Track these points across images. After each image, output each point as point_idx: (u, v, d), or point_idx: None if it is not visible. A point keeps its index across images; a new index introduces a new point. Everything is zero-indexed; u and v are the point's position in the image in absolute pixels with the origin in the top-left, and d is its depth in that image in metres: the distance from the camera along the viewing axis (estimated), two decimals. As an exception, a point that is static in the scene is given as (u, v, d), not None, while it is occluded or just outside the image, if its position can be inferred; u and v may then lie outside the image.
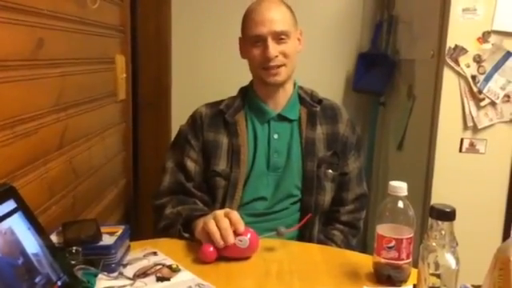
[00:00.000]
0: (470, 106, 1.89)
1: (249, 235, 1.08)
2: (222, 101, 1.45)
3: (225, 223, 1.09)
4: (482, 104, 1.88)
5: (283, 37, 1.34)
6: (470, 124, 1.89)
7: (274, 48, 1.32)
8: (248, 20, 1.37)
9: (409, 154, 2.25)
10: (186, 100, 2.18)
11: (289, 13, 1.38)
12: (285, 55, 1.34)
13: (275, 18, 1.33)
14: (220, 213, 1.12)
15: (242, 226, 1.09)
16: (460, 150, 1.93)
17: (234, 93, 1.48)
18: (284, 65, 1.35)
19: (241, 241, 1.07)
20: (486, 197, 1.93)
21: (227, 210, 1.15)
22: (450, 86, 1.89)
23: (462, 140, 1.92)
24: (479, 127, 1.89)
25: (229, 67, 2.26)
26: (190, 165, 1.39)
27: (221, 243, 1.06)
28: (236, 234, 1.08)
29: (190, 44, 2.54)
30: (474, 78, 1.86)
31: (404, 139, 2.28)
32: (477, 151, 1.92)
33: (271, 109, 1.41)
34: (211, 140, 1.39)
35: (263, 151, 1.38)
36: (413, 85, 2.22)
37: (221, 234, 1.07)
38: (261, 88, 1.42)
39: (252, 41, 1.35)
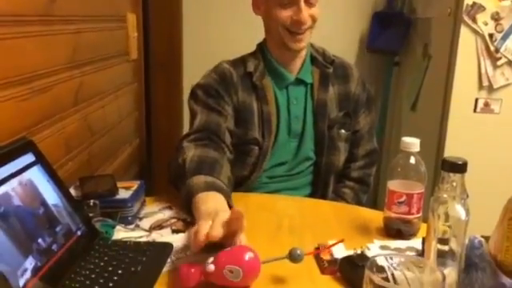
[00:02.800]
0: (487, 65, 1.85)
1: (243, 265, 0.75)
2: (244, 59, 1.36)
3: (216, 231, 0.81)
4: (499, 63, 1.85)
5: (313, 0, 1.26)
6: (485, 84, 1.87)
7: (306, 11, 1.24)
8: None
9: (422, 114, 2.24)
10: (197, 60, 2.18)
11: None
12: (313, 19, 1.27)
13: None
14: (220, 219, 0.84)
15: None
16: (474, 110, 1.91)
17: (246, 52, 1.40)
18: (310, 28, 1.28)
19: (231, 272, 0.75)
20: (500, 156, 1.92)
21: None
22: (467, 45, 1.86)
23: (476, 100, 1.90)
24: (495, 87, 1.87)
25: (241, 26, 2.24)
26: (225, 113, 1.27)
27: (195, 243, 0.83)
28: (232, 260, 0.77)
29: (202, 3, 2.51)
30: (491, 36, 1.82)
31: (418, 99, 2.26)
32: (491, 111, 1.90)
33: (289, 73, 1.34)
34: (246, 102, 1.30)
35: (284, 117, 1.34)
36: (428, 44, 2.18)
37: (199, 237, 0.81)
38: (278, 51, 1.34)
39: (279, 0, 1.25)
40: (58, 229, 0.81)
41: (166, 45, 2.37)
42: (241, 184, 1.31)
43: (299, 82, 1.36)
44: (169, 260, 0.86)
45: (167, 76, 2.39)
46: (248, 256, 0.76)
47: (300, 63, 1.36)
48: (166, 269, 0.83)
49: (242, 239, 0.84)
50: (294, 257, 0.80)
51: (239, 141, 1.30)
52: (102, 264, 0.81)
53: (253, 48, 1.42)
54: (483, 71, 1.86)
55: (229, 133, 1.27)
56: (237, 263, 0.75)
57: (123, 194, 1.03)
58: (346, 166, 1.45)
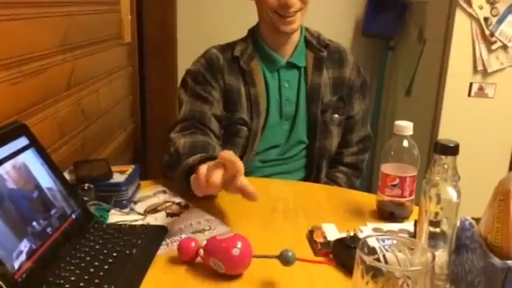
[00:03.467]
0: (481, 49, 1.85)
1: (226, 262, 0.76)
2: (233, 44, 1.37)
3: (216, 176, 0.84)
4: (494, 47, 1.85)
5: None
6: (480, 68, 1.87)
7: None
8: None
9: (417, 99, 2.24)
10: (192, 44, 2.16)
11: None
12: (303, 1, 1.26)
13: None
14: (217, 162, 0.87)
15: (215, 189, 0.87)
16: (469, 95, 1.92)
17: (240, 36, 1.41)
18: (301, 10, 1.27)
19: (215, 264, 0.76)
20: (492, 140, 1.94)
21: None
22: (462, 29, 1.85)
23: (471, 84, 1.90)
24: (489, 71, 1.87)
25: (235, 10, 2.22)
26: (212, 99, 1.29)
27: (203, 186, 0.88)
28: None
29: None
30: (486, 20, 1.82)
31: (412, 84, 2.27)
32: (485, 95, 1.91)
33: (280, 56, 1.35)
34: (233, 86, 1.32)
35: (275, 100, 1.35)
36: (423, 28, 2.17)
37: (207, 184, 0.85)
38: (270, 35, 1.34)
39: None
40: (52, 212, 0.81)
41: (160, 29, 2.35)
42: None
43: (291, 65, 1.36)
44: (163, 243, 0.87)
45: (161, 60, 2.37)
46: (234, 252, 0.75)
47: (292, 47, 1.36)
48: (160, 251, 0.84)
49: (243, 181, 0.86)
50: (284, 259, 0.76)
51: (228, 121, 1.32)
52: (97, 247, 0.81)
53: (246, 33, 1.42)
54: (478, 55, 1.86)
55: (216, 118, 1.28)
56: (221, 258, 0.75)
57: (118, 177, 1.03)
58: (339, 152, 1.46)
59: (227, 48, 1.36)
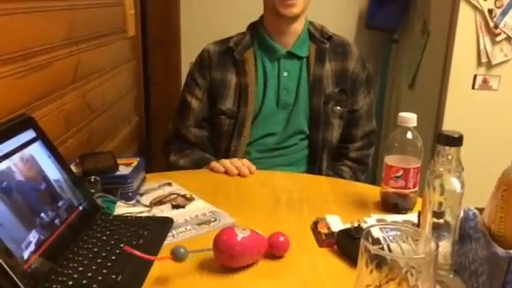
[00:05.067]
0: (485, 41, 1.85)
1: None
2: (230, 38, 1.43)
3: (239, 162, 1.20)
4: (498, 39, 1.84)
5: None
6: (484, 60, 1.86)
7: None
8: None
9: (421, 92, 2.24)
10: (195, 38, 2.16)
11: None
12: None
13: None
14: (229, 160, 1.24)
15: (254, 168, 1.22)
16: (473, 87, 1.91)
17: (243, 30, 1.45)
18: None
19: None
20: (496, 132, 1.93)
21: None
22: (466, 21, 1.85)
23: (475, 76, 1.90)
24: (493, 63, 1.87)
25: (238, 4, 2.22)
26: (194, 103, 1.40)
27: (235, 172, 1.17)
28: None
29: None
30: (490, 11, 1.81)
31: (416, 77, 2.26)
32: (490, 88, 1.90)
33: (281, 46, 1.38)
34: (219, 79, 1.39)
35: (273, 89, 1.38)
36: (428, 20, 2.16)
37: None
38: (272, 22, 1.38)
39: None
40: (60, 204, 0.82)
41: (164, 23, 2.35)
42: (227, 158, 1.33)
43: (292, 55, 1.39)
44: (169, 234, 0.88)
45: (165, 54, 2.37)
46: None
47: (294, 38, 1.39)
48: (166, 243, 0.85)
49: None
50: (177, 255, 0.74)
51: (209, 115, 1.41)
52: (104, 238, 0.82)
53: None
54: (482, 47, 1.85)
55: (196, 121, 1.41)
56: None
57: (123, 170, 1.04)
58: (344, 146, 1.47)
59: (224, 41, 1.43)
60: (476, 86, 1.91)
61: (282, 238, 0.81)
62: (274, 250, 0.81)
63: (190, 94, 1.41)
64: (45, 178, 0.82)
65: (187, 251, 0.74)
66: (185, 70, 1.49)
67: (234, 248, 0.76)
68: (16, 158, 0.77)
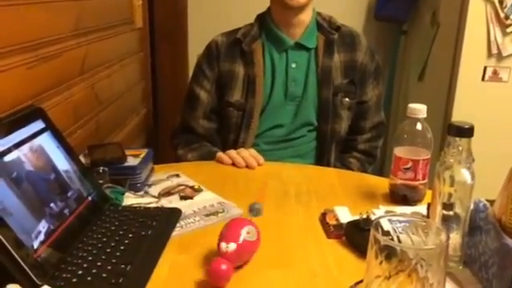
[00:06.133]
0: (496, 32, 1.83)
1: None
2: (238, 29, 1.42)
3: (246, 152, 1.21)
4: (508, 30, 1.82)
5: None
6: (494, 51, 1.84)
7: None
8: None
9: (430, 84, 2.22)
10: (203, 30, 2.15)
11: None
12: None
13: None
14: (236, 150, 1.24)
15: (262, 159, 1.22)
16: (483, 79, 1.89)
17: (251, 21, 1.44)
18: None
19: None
20: (507, 124, 1.91)
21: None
22: (476, 12, 1.82)
23: (485, 68, 1.88)
24: (504, 55, 1.84)
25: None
26: (203, 95, 1.40)
27: (242, 163, 1.17)
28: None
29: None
30: (501, 2, 1.79)
31: (425, 69, 2.24)
32: (500, 80, 1.88)
33: (288, 37, 1.37)
34: (227, 70, 1.38)
35: (281, 80, 1.37)
36: (437, 11, 2.14)
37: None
38: (279, 13, 1.37)
39: None
40: (69, 194, 0.83)
41: (171, 14, 2.34)
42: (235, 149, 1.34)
43: (300, 46, 1.38)
44: (178, 225, 0.88)
45: (172, 46, 2.37)
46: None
47: (302, 29, 1.38)
48: (175, 233, 0.85)
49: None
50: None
51: (217, 107, 1.41)
52: (113, 228, 0.83)
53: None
54: (492, 38, 1.83)
55: (205, 114, 1.40)
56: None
57: (132, 161, 1.04)
58: (352, 138, 1.46)
59: (232, 33, 1.42)
60: (486, 78, 1.89)
61: (223, 267, 0.70)
62: (212, 279, 0.70)
63: (198, 85, 1.41)
64: (54, 169, 0.82)
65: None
66: (192, 61, 1.49)
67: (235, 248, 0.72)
68: (25, 148, 0.77)
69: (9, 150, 0.73)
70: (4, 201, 0.67)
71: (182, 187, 1.06)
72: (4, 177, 0.69)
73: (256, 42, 1.38)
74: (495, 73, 1.88)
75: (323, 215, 0.92)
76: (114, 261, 0.73)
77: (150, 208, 0.94)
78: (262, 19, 1.42)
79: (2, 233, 0.63)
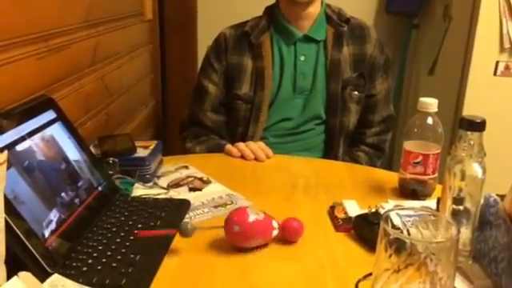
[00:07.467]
0: (509, 26, 1.80)
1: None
2: (246, 22, 1.42)
3: (255, 145, 1.21)
4: (522, 24, 1.79)
5: None
6: (506, 46, 1.82)
7: None
8: None
9: (441, 78, 2.20)
10: (212, 22, 2.15)
11: None
12: None
13: None
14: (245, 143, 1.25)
15: (270, 152, 1.23)
16: (494, 74, 1.87)
17: (259, 14, 1.43)
18: None
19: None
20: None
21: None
22: (489, 6, 1.80)
23: (497, 63, 1.85)
24: (516, 49, 1.82)
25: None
26: (211, 88, 1.39)
27: (251, 156, 1.17)
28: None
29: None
30: (515, -4, 1.76)
31: (436, 63, 2.22)
32: (512, 74, 1.86)
33: (297, 30, 1.36)
34: (235, 63, 1.38)
35: (289, 73, 1.37)
36: (449, 5, 2.11)
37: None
38: (287, 6, 1.36)
39: None
40: (79, 184, 0.83)
41: (181, 6, 2.33)
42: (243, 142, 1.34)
43: (308, 39, 1.37)
44: (186, 216, 0.88)
45: (182, 38, 2.36)
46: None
47: (311, 21, 1.37)
48: (184, 224, 0.85)
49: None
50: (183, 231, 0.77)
51: (226, 100, 1.40)
52: (122, 218, 0.83)
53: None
54: (505, 32, 1.81)
55: (213, 107, 1.40)
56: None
57: (141, 152, 1.05)
58: (360, 132, 1.45)
59: (240, 25, 1.42)
60: (498, 73, 1.87)
61: (295, 224, 0.81)
62: (286, 235, 0.80)
63: (206, 78, 1.41)
64: (65, 158, 0.83)
65: (195, 227, 0.77)
66: (201, 54, 1.49)
67: (243, 226, 0.76)
68: (37, 138, 0.78)
69: (21, 140, 0.74)
70: (16, 189, 0.67)
71: (191, 179, 1.07)
72: (16, 166, 0.70)
73: (264, 35, 1.37)
74: (507, 67, 1.85)
75: (332, 208, 0.92)
76: (123, 250, 0.73)
77: (158, 199, 0.95)
78: (271, 12, 1.41)
79: (14, 221, 0.64)
